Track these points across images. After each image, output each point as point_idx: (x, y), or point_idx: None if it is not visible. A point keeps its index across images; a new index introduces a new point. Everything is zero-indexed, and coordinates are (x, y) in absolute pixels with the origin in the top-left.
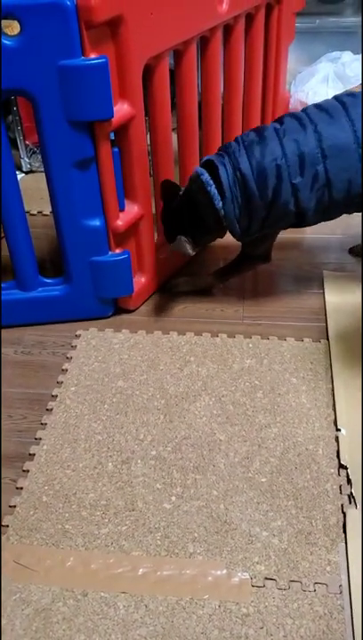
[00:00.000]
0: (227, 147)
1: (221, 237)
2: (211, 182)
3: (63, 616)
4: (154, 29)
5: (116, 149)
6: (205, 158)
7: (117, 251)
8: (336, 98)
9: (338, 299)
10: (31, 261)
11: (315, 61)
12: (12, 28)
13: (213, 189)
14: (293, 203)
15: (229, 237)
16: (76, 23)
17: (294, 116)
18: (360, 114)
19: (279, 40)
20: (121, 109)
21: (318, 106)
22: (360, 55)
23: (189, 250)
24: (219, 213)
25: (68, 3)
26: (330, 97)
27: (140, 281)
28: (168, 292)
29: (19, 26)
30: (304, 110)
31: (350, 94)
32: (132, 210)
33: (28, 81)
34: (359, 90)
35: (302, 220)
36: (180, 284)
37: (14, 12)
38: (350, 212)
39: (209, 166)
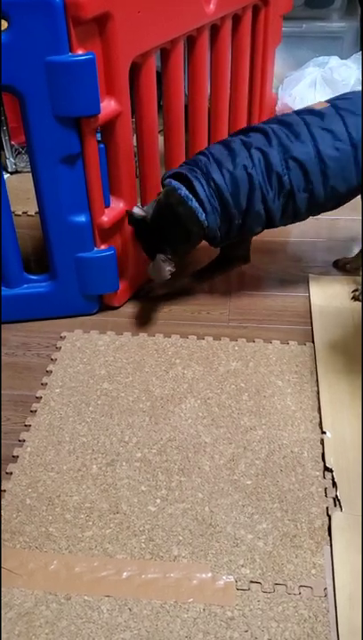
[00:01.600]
0: (195, 161)
1: (196, 247)
2: (191, 197)
3: (46, 620)
4: (141, 27)
5: (102, 146)
6: (172, 171)
7: (103, 247)
8: (297, 113)
9: (324, 302)
10: (16, 258)
11: (301, 66)
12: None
13: (194, 204)
14: (263, 208)
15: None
16: (64, 19)
17: (258, 129)
18: (321, 131)
19: (266, 42)
20: (108, 106)
21: (280, 121)
22: (348, 61)
23: (169, 268)
24: (203, 225)
25: None
26: (316, 102)
27: (125, 278)
28: (143, 297)
29: (6, 22)
30: (267, 124)
31: (310, 111)
32: (117, 206)
33: (16, 77)
34: (320, 107)
35: (271, 224)
36: (155, 288)
37: (2, 8)
38: (315, 215)
39: (181, 180)
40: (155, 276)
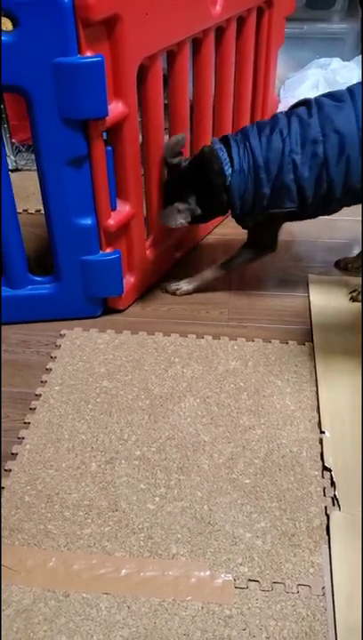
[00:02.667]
0: (242, 128)
1: (221, 214)
2: (224, 149)
3: (45, 617)
4: (149, 29)
5: (109, 148)
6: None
7: (108, 250)
8: (347, 88)
9: (323, 302)
10: (21, 259)
11: (302, 67)
12: (5, 24)
13: (224, 155)
14: (294, 180)
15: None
16: (73, 21)
17: (304, 102)
18: None
19: (270, 43)
20: (115, 108)
21: (327, 94)
22: (350, 62)
23: (181, 220)
24: (225, 180)
25: (66, 0)
26: None
27: (129, 281)
28: (171, 296)
29: (10, 23)
30: (315, 97)
31: (359, 83)
32: (123, 209)
33: (23, 77)
34: None
35: (303, 204)
36: (182, 286)
37: (11, 8)
38: (349, 204)
39: (223, 141)
40: (164, 220)
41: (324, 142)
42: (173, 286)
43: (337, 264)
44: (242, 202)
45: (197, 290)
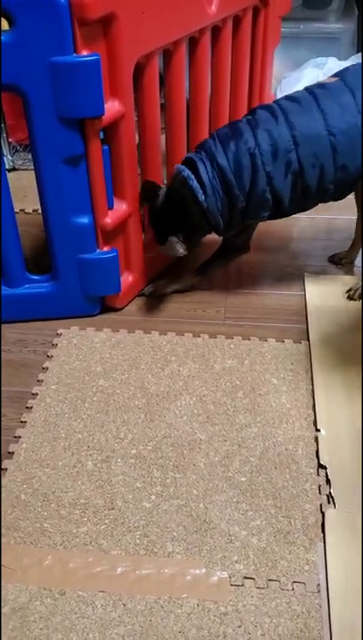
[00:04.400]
0: (203, 144)
1: (210, 232)
2: (192, 177)
3: (40, 615)
4: (146, 28)
5: (106, 147)
6: (184, 157)
7: (105, 249)
8: (307, 89)
9: (319, 301)
10: (18, 258)
11: (299, 66)
12: (2, 23)
13: (194, 183)
14: (269, 190)
15: (212, 237)
16: (69, 20)
17: (265, 107)
18: (331, 104)
19: (265, 43)
20: (112, 107)
21: (288, 97)
22: (346, 62)
23: (181, 250)
24: (203, 207)
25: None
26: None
27: (127, 279)
28: (149, 296)
29: (6, 22)
30: (276, 102)
31: (320, 86)
32: (120, 208)
33: (20, 76)
34: (330, 82)
35: (279, 209)
36: (159, 288)
37: (7, 7)
38: (325, 201)
39: (189, 163)
40: (169, 253)
41: (296, 150)
42: (150, 288)
43: (332, 258)
44: (222, 219)
45: (177, 292)
